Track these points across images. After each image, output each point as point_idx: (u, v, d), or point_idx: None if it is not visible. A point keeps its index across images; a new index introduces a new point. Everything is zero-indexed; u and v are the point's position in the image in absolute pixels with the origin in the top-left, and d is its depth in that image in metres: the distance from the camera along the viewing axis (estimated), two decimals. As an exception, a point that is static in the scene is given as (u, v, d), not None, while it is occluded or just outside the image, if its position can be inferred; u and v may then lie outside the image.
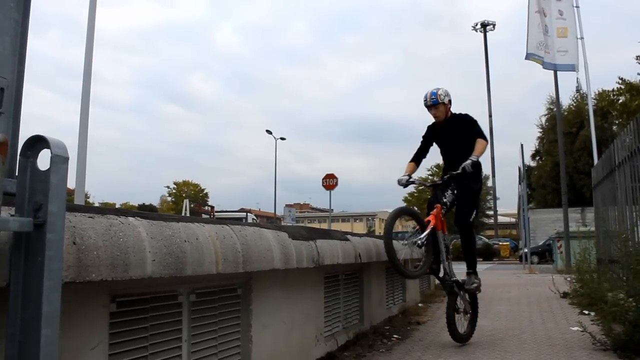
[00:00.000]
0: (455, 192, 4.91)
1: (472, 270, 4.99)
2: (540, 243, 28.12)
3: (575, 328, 5.01)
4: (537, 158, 40.73)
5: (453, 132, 5.04)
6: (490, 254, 34.13)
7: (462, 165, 4.67)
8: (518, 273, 16.52)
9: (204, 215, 31.58)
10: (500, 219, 53.14)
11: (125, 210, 1.99)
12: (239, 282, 2.90)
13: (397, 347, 4.63)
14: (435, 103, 4.99)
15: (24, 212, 1.31)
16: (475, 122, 5.07)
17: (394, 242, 4.45)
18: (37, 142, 1.34)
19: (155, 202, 69.67)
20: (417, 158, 5.26)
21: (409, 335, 5.19)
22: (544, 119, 39.31)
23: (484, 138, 4.93)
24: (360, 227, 69.59)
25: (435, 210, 4.75)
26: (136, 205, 64.05)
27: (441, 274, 4.91)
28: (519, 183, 22.33)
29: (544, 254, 26.23)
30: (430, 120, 5.18)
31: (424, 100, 5.03)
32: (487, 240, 37.85)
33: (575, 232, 15.02)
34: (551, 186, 34.99)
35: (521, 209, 22.55)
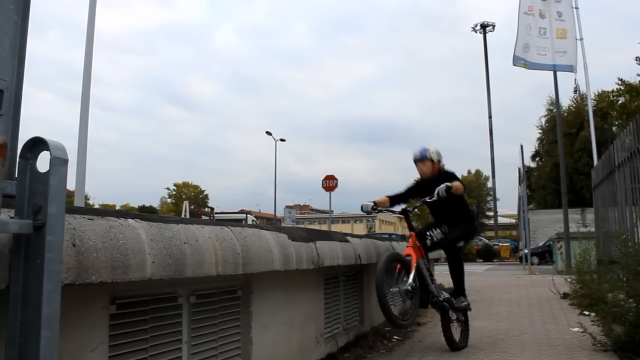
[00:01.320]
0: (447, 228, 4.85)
1: (460, 292, 4.95)
2: (541, 244, 28.11)
3: (576, 329, 5.01)
4: (537, 159, 40.75)
5: (434, 185, 4.77)
6: (490, 255, 34.14)
7: (437, 191, 4.53)
8: (518, 274, 16.52)
9: (203, 217, 31.52)
10: (500, 219, 53.16)
11: (125, 212, 1.99)
12: (239, 283, 2.90)
13: (397, 348, 4.63)
14: (422, 158, 4.92)
15: (23, 214, 1.31)
16: (454, 174, 4.94)
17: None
18: (37, 144, 1.34)
19: (156, 204, 69.77)
20: (395, 198, 5.12)
21: (409, 336, 5.18)
22: (543, 120, 39.34)
23: (460, 182, 4.82)
24: (360, 229, 69.52)
25: (410, 240, 4.61)
26: (136, 206, 64.13)
27: (433, 299, 4.73)
28: (519, 184, 22.35)
29: (544, 255, 26.22)
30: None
31: (413, 155, 5.00)
32: (487, 241, 37.85)
33: (575, 233, 15.02)
34: (551, 187, 35.01)
35: (521, 210, 22.56)
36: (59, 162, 1.32)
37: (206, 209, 40.42)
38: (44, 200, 1.30)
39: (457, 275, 4.98)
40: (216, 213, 37.61)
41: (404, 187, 5.21)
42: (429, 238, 4.77)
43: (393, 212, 5.22)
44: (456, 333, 4.74)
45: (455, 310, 4.85)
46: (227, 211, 43.09)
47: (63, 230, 1.35)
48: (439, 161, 4.98)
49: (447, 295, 4.83)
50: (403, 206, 5.00)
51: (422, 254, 4.67)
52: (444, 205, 4.75)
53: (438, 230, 4.82)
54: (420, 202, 4.84)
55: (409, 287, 4.33)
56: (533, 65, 15.47)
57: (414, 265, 4.40)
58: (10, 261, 1.33)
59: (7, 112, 1.49)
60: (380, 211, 5.05)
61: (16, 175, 1.39)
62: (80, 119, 8.09)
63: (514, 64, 15.46)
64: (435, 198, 4.55)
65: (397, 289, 4.36)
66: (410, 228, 4.76)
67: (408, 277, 4.34)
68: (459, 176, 5.00)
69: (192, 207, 36.98)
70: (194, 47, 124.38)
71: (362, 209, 4.91)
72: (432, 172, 4.95)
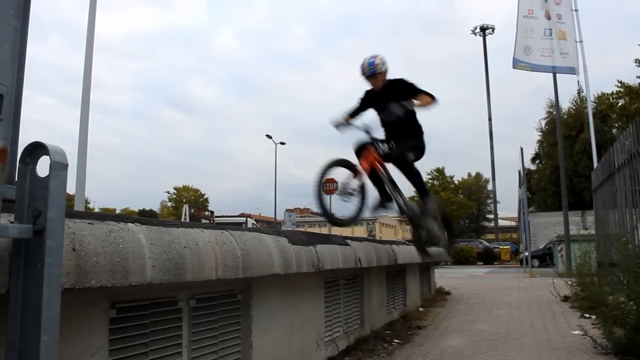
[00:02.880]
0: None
1: (425, 195, 5.14)
2: (541, 246, 28.10)
3: (577, 332, 5.00)
4: (537, 161, 40.80)
5: (388, 97, 4.92)
6: (490, 257, 34.13)
7: (390, 107, 4.69)
8: (519, 277, 16.51)
9: (203, 220, 31.48)
10: (501, 222, 53.15)
11: (125, 216, 1.99)
12: (239, 287, 2.90)
13: (397, 351, 4.62)
14: (373, 74, 4.90)
15: (23, 219, 1.32)
16: (412, 83, 4.95)
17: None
18: (37, 149, 1.34)
19: (156, 208, 69.74)
20: (354, 114, 5.18)
21: (409, 339, 5.18)
22: (543, 123, 39.42)
23: (430, 95, 4.85)
24: (361, 232, 69.47)
25: (366, 152, 4.75)
26: (136, 210, 64.11)
27: (402, 210, 5.06)
28: (519, 186, 22.36)
29: (544, 258, 26.20)
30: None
31: (361, 70, 4.92)
32: (487, 244, 37.86)
33: (575, 236, 15.02)
34: (551, 189, 35.04)
35: (521, 213, 22.56)
36: (59, 166, 1.32)
37: (206, 213, 40.41)
38: (43, 204, 1.30)
39: (415, 182, 5.09)
40: (216, 216, 37.59)
41: (356, 102, 5.19)
42: (381, 149, 4.90)
43: (357, 127, 5.11)
44: (446, 243, 5.17)
45: (429, 217, 5.16)
46: (227, 214, 43.09)
47: (63, 235, 1.35)
48: (387, 70, 4.98)
49: (414, 206, 5.17)
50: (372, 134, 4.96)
51: (384, 166, 4.95)
52: (395, 132, 4.90)
53: (385, 146, 4.92)
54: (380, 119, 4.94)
55: (351, 190, 4.60)
56: (535, 67, 15.49)
57: (361, 172, 4.64)
58: (10, 266, 1.33)
59: (7, 116, 1.49)
60: (350, 125, 5.02)
61: (16, 180, 1.39)
62: (81, 123, 8.10)
63: (514, 67, 15.49)
64: (391, 118, 4.72)
65: (344, 187, 4.61)
66: (370, 143, 4.88)
67: (353, 181, 4.62)
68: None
69: (192, 210, 36.98)
70: (194, 51, 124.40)
71: (332, 123, 4.98)
72: (383, 83, 4.98)
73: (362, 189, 4.68)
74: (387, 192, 4.91)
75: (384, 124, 5.08)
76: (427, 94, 4.84)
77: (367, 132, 4.93)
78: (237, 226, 3.11)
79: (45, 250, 1.28)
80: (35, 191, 1.32)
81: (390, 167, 5.01)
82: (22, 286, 1.31)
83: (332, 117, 4.96)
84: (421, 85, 4.96)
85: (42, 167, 1.35)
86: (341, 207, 4.90)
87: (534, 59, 15.41)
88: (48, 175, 1.31)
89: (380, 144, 4.89)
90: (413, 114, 4.96)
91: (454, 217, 52.77)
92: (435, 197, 5.15)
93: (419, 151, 5.13)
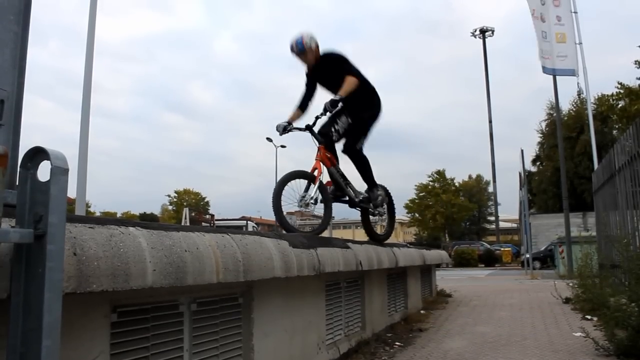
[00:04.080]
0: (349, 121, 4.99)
1: (371, 186, 5.26)
2: (542, 248, 28.12)
3: (578, 334, 5.00)
4: (538, 163, 40.81)
5: (328, 72, 5.00)
6: (492, 259, 34.13)
7: (324, 105, 4.74)
8: (520, 279, 16.50)
9: (204, 224, 31.46)
10: (502, 224, 53.14)
11: (126, 220, 1.99)
12: (240, 290, 2.90)
13: (399, 354, 4.62)
14: (302, 51, 4.94)
15: (24, 224, 1.32)
16: (344, 59, 5.01)
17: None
18: (37, 154, 1.35)
19: (157, 211, 69.76)
20: (303, 103, 5.19)
21: (411, 342, 5.17)
22: (544, 124, 39.44)
23: (353, 74, 4.91)
24: (361, 234, 69.43)
25: (318, 154, 4.82)
26: (137, 214, 64.16)
27: (351, 201, 5.14)
28: (520, 188, 22.35)
29: (545, 260, 26.22)
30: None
31: (291, 49, 4.95)
32: (488, 246, 37.85)
33: (576, 237, 15.01)
34: (552, 191, 35.04)
35: (522, 215, 22.55)
36: (60, 171, 1.33)
37: (206, 216, 40.39)
38: (44, 209, 1.30)
39: (364, 171, 5.22)
40: (216, 220, 37.57)
41: (303, 89, 5.21)
42: (335, 133, 4.95)
43: (299, 129, 5.06)
44: (379, 227, 5.28)
45: (375, 204, 5.30)
46: (228, 218, 43.07)
47: (64, 239, 1.35)
48: (317, 45, 5.00)
49: (364, 194, 5.24)
50: (308, 123, 5.00)
51: (334, 162, 5.00)
52: (338, 86, 4.84)
53: (343, 119, 4.94)
54: (316, 117, 4.93)
55: (312, 200, 4.62)
56: (546, 71, 15.45)
57: (318, 178, 4.67)
58: (11, 270, 1.33)
59: (7, 121, 1.50)
60: (293, 129, 4.98)
61: (17, 185, 1.39)
62: (81, 127, 8.11)
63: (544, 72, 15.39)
64: (325, 114, 4.80)
65: (302, 199, 4.61)
66: (319, 141, 4.92)
67: (311, 190, 4.64)
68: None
69: (192, 214, 36.94)
70: (194, 55, 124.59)
71: (276, 129, 4.94)
72: (316, 59, 5.01)
73: (323, 193, 4.74)
74: (341, 187, 5.01)
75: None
76: (354, 73, 4.90)
77: (311, 131, 4.97)
78: (237, 230, 3.12)
79: (46, 254, 1.28)
80: (36, 196, 1.33)
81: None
82: (24, 291, 1.31)
83: (278, 123, 4.95)
84: (351, 60, 5.01)
85: (43, 171, 1.35)
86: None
87: (542, 60, 15.38)
88: (49, 180, 1.32)
89: (336, 125, 4.94)
90: (369, 92, 5.08)
91: (454, 220, 52.79)
92: (380, 187, 5.37)
93: (371, 119, 5.18)
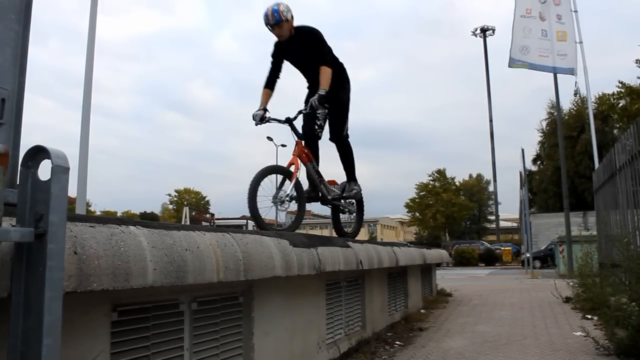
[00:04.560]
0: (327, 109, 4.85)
1: (351, 179, 5.19)
2: (543, 248, 28.12)
3: (578, 333, 5.00)
4: (538, 162, 40.82)
5: (301, 48, 4.81)
6: (492, 259, 34.14)
7: (310, 103, 4.58)
8: (520, 278, 16.50)
9: (204, 223, 31.43)
10: (502, 223, 53.15)
11: (126, 219, 1.99)
12: (241, 289, 2.90)
13: (399, 353, 4.62)
14: (278, 21, 4.62)
15: (25, 223, 1.32)
16: (320, 40, 4.82)
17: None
18: (38, 153, 1.35)
19: (157, 210, 69.75)
20: (271, 82, 4.97)
21: (411, 341, 5.17)
22: (544, 124, 39.44)
23: (327, 63, 4.74)
24: (362, 233, 69.45)
25: (296, 149, 4.68)
26: (137, 213, 64.11)
27: (323, 198, 5.00)
28: (520, 188, 22.37)
29: (546, 259, 26.24)
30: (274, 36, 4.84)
31: (265, 19, 4.64)
32: (489, 245, 37.84)
33: (577, 237, 15.01)
34: (552, 190, 35.03)
35: (523, 214, 22.55)
36: (61, 170, 1.32)
37: (207, 215, 40.35)
38: (45, 208, 1.30)
39: (347, 160, 5.17)
40: (216, 219, 37.54)
41: (270, 66, 4.98)
42: (319, 130, 4.87)
43: (278, 121, 4.82)
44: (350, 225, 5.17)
45: (346, 202, 5.23)
46: (228, 217, 43.06)
47: (64, 238, 1.35)
48: (293, 17, 4.73)
49: (336, 192, 5.12)
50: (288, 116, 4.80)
51: (310, 157, 4.84)
52: (312, 64, 4.77)
53: (320, 110, 4.76)
54: (300, 112, 4.75)
55: (287, 198, 4.49)
56: (534, 66, 15.47)
57: (295, 174, 4.54)
58: (12, 269, 1.33)
59: (8, 120, 1.50)
60: (271, 120, 4.79)
61: (17, 184, 1.39)
62: (82, 126, 8.10)
63: (510, 66, 15.47)
64: (309, 110, 4.63)
65: (277, 197, 4.46)
66: (298, 136, 4.78)
67: (288, 186, 4.51)
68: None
69: (192, 213, 36.89)
70: (194, 53, 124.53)
71: (253, 119, 4.76)
72: (290, 31, 4.75)
73: (299, 191, 4.62)
74: (316, 184, 4.87)
75: (307, 75, 5.05)
76: (328, 63, 4.75)
77: (291, 125, 4.78)
78: (237, 229, 3.12)
79: (46, 253, 1.28)
80: (37, 195, 1.32)
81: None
82: (24, 290, 1.31)
83: (254, 112, 4.77)
84: (324, 37, 4.84)
85: (44, 170, 1.35)
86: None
87: (531, 59, 15.37)
88: (50, 179, 1.31)
89: (316, 127, 4.84)
90: (341, 70, 4.97)
91: (455, 219, 52.80)
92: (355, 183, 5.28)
93: (348, 99, 5.08)
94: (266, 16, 4.62)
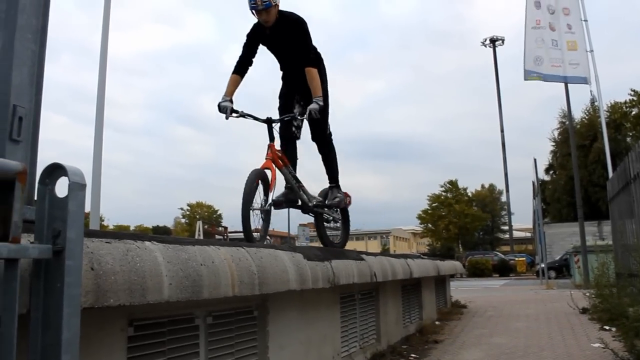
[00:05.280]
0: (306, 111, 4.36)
1: (334, 184, 4.80)
2: (557, 258, 27.86)
3: (597, 344, 4.93)
4: (551, 172, 40.52)
5: (285, 36, 4.42)
6: (506, 269, 33.85)
7: (310, 111, 4.20)
8: (535, 289, 16.33)
9: (217, 237, 31.44)
10: (516, 234, 52.71)
11: (142, 235, 2.00)
12: (255, 303, 2.90)
13: (415, 366, 4.58)
14: (268, 7, 4.19)
15: (43, 239, 1.33)
16: (306, 33, 4.44)
17: None
18: (55, 170, 1.36)
19: (169, 224, 69.99)
20: (242, 67, 4.54)
21: (426, 354, 5.13)
22: (556, 133, 39.19)
23: (312, 64, 4.41)
24: (374, 245, 69.28)
25: (269, 152, 4.23)
26: (150, 227, 64.38)
27: (304, 205, 4.62)
28: (534, 198, 22.21)
29: (561, 269, 25.98)
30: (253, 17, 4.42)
31: (252, 3, 4.20)
32: (502, 255, 37.53)
33: (592, 246, 14.85)
34: (566, 200, 34.76)
35: (536, 224, 22.37)
36: (77, 187, 1.33)
37: (220, 229, 40.39)
38: (62, 225, 1.31)
39: (331, 163, 4.77)
40: (230, 232, 37.57)
41: (245, 43, 4.52)
42: (297, 131, 4.53)
43: (256, 119, 4.37)
44: (335, 235, 4.84)
45: (330, 210, 4.85)
46: (241, 230, 43.14)
47: (82, 255, 1.36)
48: (279, 2, 4.33)
49: (318, 199, 4.74)
50: (268, 116, 4.36)
51: (286, 162, 4.42)
52: (301, 81, 4.39)
53: (297, 110, 4.50)
54: (289, 117, 4.40)
55: (268, 207, 4.18)
56: (547, 77, 15.47)
57: (273, 181, 4.17)
58: (30, 286, 1.34)
59: (25, 138, 1.51)
60: (246, 116, 4.35)
61: (35, 200, 1.40)
62: (95, 142, 8.19)
63: (526, 79, 15.48)
64: (308, 119, 4.29)
65: (259, 207, 4.13)
66: (271, 138, 4.30)
67: (267, 195, 4.17)
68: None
69: (205, 226, 36.96)
70: (204, 68, 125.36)
71: (219, 110, 4.33)
72: (276, 17, 4.34)
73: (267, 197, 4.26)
74: (295, 190, 4.49)
75: (283, 63, 4.64)
76: (312, 63, 4.42)
77: (270, 126, 4.33)
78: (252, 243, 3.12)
79: (64, 270, 1.29)
80: (55, 212, 1.33)
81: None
82: (43, 306, 1.31)
83: (220, 102, 4.33)
84: (310, 35, 4.46)
85: (61, 187, 1.36)
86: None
87: (545, 69, 15.39)
88: (67, 196, 1.32)
89: (294, 129, 4.49)
90: (318, 61, 4.57)
91: (468, 230, 52.49)
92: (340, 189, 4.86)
93: (327, 94, 4.59)
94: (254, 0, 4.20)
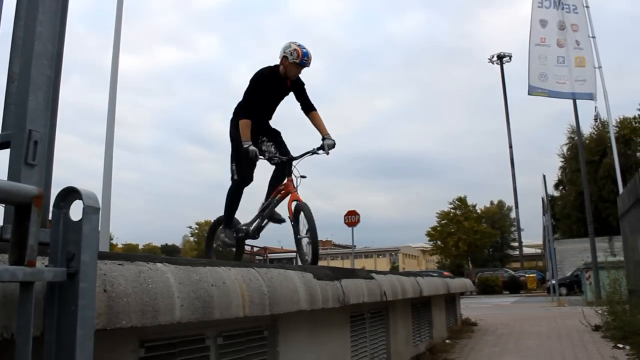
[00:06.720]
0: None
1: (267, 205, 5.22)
2: (568, 274, 27.61)
3: (610, 363, 4.87)
4: (560, 188, 40.33)
5: (297, 90, 4.91)
6: (516, 286, 33.55)
7: (326, 146, 4.78)
8: (546, 306, 16.18)
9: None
10: (526, 250, 52.28)
11: (154, 257, 2.01)
12: (265, 323, 2.90)
13: (426, 386, 4.54)
14: (304, 65, 4.69)
15: (57, 262, 1.34)
16: (303, 84, 4.97)
17: None
18: (70, 194, 1.38)
19: (178, 242, 70.06)
20: (254, 112, 4.82)
21: (437, 373, 5.09)
22: (565, 149, 39.07)
23: (316, 109, 4.99)
24: (383, 263, 68.95)
25: (292, 186, 4.82)
26: (159, 245, 64.49)
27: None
28: (543, 214, 22.09)
29: (572, 286, 25.71)
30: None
31: (305, 61, 4.64)
32: (513, 272, 37.23)
33: (603, 263, 14.72)
34: (576, 216, 34.53)
35: (546, 240, 22.22)
36: (92, 210, 1.35)
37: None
38: (77, 248, 1.32)
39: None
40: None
41: (254, 96, 4.81)
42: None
43: (280, 158, 4.91)
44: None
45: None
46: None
47: (96, 277, 1.37)
48: None
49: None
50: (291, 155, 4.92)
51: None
52: (267, 125, 5.03)
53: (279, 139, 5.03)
54: (311, 151, 4.84)
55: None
56: (552, 94, 15.52)
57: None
58: (44, 308, 1.35)
59: (40, 161, 1.54)
60: (266, 158, 4.98)
61: (49, 223, 1.42)
62: (105, 162, 8.26)
63: (530, 94, 15.55)
64: (327, 153, 4.81)
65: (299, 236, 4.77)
66: (288, 173, 4.87)
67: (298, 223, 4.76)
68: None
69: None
70: (212, 87, 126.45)
71: (249, 154, 4.66)
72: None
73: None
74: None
75: (265, 116, 5.05)
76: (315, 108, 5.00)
77: (291, 164, 4.95)
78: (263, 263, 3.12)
79: (78, 292, 1.30)
80: (69, 235, 1.35)
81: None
82: (57, 328, 1.32)
83: (248, 146, 4.66)
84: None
85: (75, 210, 1.38)
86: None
87: (550, 86, 15.44)
88: (81, 219, 1.34)
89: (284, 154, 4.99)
90: None
91: (477, 247, 52.14)
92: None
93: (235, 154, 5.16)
94: (307, 57, 4.64)
